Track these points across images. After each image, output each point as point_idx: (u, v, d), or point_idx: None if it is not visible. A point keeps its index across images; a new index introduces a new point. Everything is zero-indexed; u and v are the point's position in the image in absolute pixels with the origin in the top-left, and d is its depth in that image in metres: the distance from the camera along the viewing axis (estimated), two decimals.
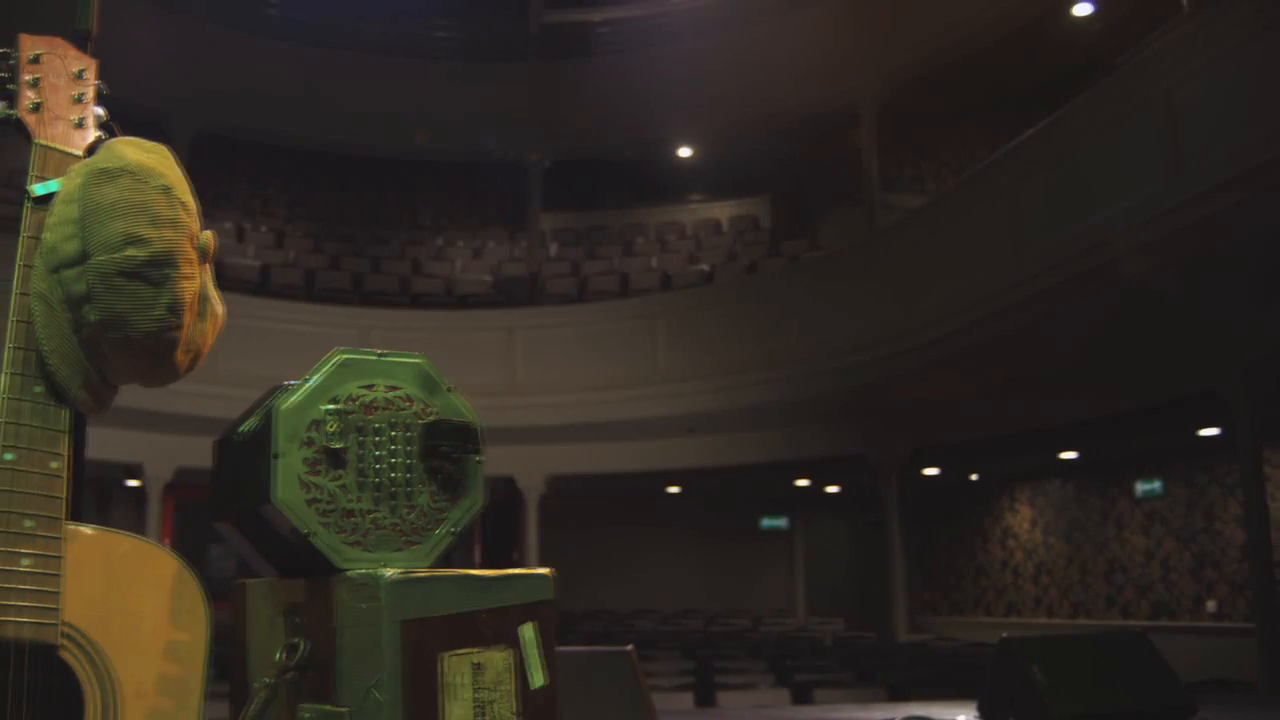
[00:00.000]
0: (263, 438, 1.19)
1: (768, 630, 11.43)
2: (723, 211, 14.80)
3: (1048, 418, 9.18)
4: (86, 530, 1.21)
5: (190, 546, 11.14)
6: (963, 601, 13.75)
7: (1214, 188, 5.96)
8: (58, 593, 1.15)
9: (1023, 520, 12.78)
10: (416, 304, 11.87)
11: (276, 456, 1.14)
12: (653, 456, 10.97)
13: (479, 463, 1.26)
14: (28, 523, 1.16)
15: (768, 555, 14.84)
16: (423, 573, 1.15)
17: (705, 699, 6.99)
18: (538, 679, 1.24)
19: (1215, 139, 6.08)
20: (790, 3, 11.07)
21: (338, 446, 1.16)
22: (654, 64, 12.03)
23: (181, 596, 1.24)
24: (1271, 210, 5.83)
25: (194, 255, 1.32)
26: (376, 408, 1.20)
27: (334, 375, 1.20)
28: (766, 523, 14.99)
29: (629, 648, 2.30)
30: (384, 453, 1.19)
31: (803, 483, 13.23)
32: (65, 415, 1.24)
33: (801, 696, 6.98)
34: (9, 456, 1.18)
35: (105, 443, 9.50)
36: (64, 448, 1.23)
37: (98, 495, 11.46)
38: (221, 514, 1.32)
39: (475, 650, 1.17)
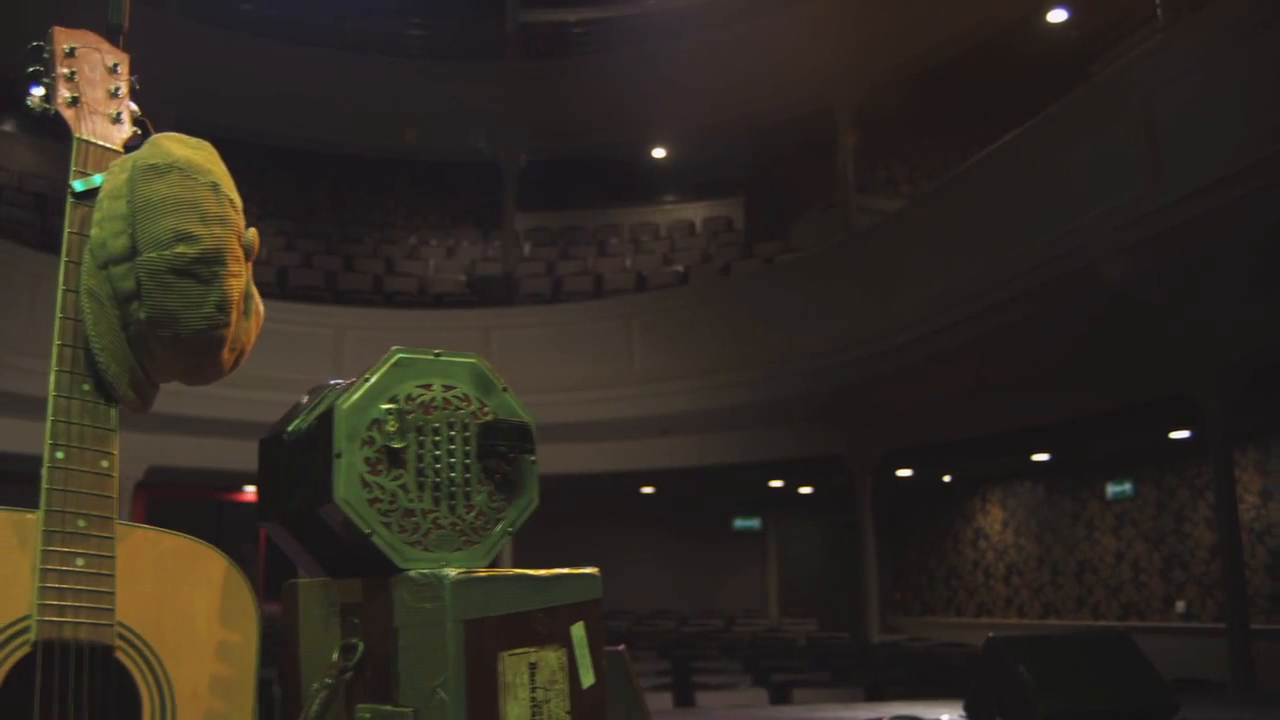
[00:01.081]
0: (319, 437, 1.19)
1: (741, 630, 11.46)
2: (696, 212, 14.83)
3: (1021, 419, 9.26)
4: (136, 529, 1.19)
5: None
6: (934, 602, 13.85)
7: (1191, 193, 6.04)
8: (112, 593, 1.14)
9: (994, 521, 12.89)
10: (390, 303, 11.80)
11: (338, 456, 1.13)
12: (627, 457, 10.96)
13: (533, 463, 1.26)
14: (81, 522, 1.15)
15: (740, 556, 14.88)
16: (483, 572, 1.15)
17: (684, 699, 6.99)
18: (588, 678, 1.24)
19: (1192, 145, 6.16)
20: (766, 6, 11.10)
21: (398, 446, 1.16)
22: (629, 65, 12.03)
23: (231, 596, 1.23)
24: (1246, 216, 5.92)
25: (240, 253, 1.31)
26: (434, 407, 1.20)
27: (391, 374, 1.19)
28: (739, 523, 15.02)
29: (620, 648, 2.30)
30: (442, 452, 1.19)
31: (776, 483, 13.28)
32: (114, 413, 1.23)
33: (779, 697, 6.99)
34: (60, 455, 1.17)
35: None
36: (114, 446, 1.21)
37: None
38: (269, 514, 1.30)
39: (531, 650, 1.17)
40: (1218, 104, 6.07)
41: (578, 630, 1.24)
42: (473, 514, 1.20)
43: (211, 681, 1.18)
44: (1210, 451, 7.50)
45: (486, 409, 1.23)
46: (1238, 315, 6.95)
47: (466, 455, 1.21)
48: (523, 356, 10.38)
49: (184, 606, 1.19)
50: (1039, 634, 3.45)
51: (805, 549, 15.02)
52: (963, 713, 3.12)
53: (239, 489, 11.90)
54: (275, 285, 11.48)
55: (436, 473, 1.18)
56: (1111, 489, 11.04)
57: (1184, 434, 9.50)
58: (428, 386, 1.20)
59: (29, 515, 1.13)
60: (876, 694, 7.01)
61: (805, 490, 14.06)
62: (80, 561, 1.13)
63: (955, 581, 13.48)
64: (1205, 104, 6.17)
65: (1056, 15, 9.69)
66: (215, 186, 1.29)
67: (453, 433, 1.20)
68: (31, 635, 1.08)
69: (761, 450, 10.72)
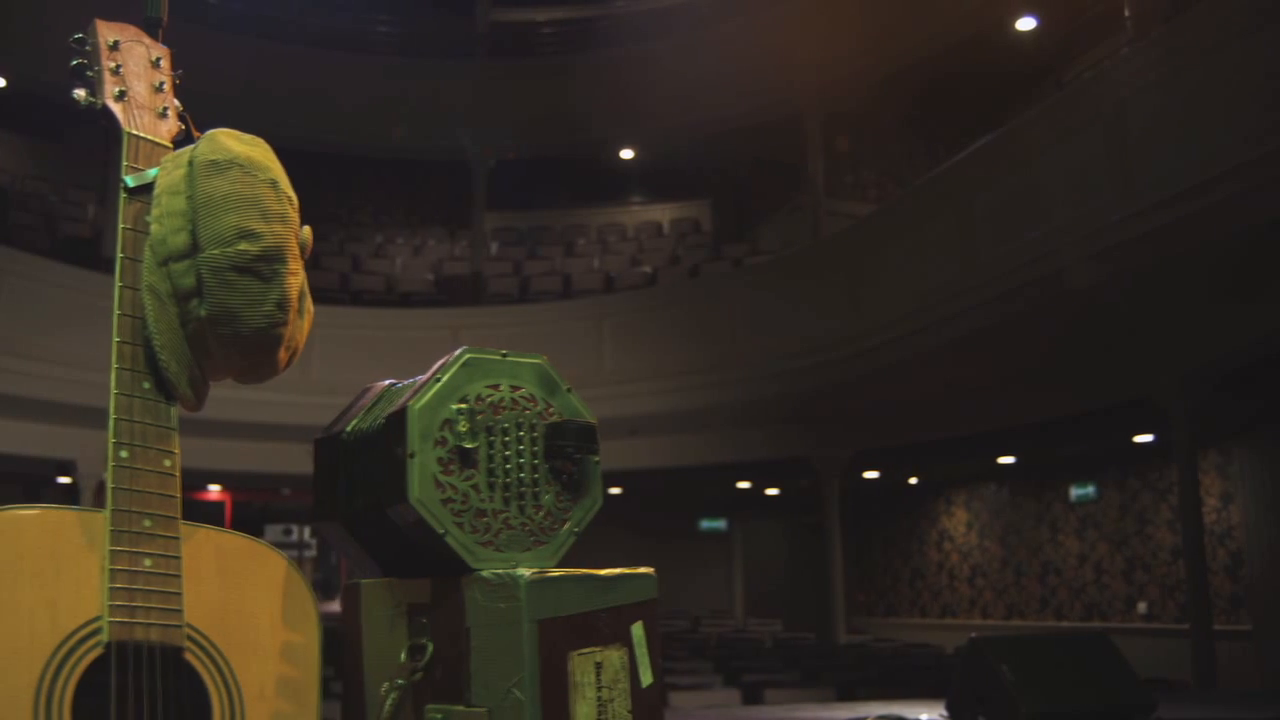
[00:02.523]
0: (387, 438, 1.18)
1: (708, 631, 11.48)
2: (663, 214, 14.85)
3: (988, 422, 9.36)
4: (199, 528, 1.18)
5: None
6: (898, 603, 13.96)
7: (1160, 202, 6.14)
8: (180, 594, 1.12)
9: (959, 523, 13.01)
10: (357, 301, 11.72)
11: (412, 456, 1.13)
12: None
13: (596, 463, 1.26)
14: (146, 522, 1.13)
15: (706, 556, 14.92)
16: (554, 572, 1.15)
17: None
18: (647, 677, 1.25)
19: (1163, 155, 6.26)
20: (736, 10, 11.14)
21: (470, 446, 1.15)
22: (599, 66, 12.03)
23: (292, 597, 1.22)
24: (1213, 224, 6.02)
25: (297, 250, 1.30)
26: (503, 407, 1.20)
27: (461, 374, 1.19)
28: (706, 524, 15.06)
29: None
30: (511, 453, 1.19)
31: (743, 485, 13.33)
32: (174, 412, 1.22)
33: (752, 697, 7.02)
34: (124, 454, 1.15)
35: (37, 438, 9.22)
36: (175, 445, 1.20)
37: (27, 493, 11.12)
38: (327, 514, 1.29)
39: (596, 649, 1.18)
40: (1187, 114, 6.18)
41: (637, 630, 1.25)
42: (541, 514, 1.20)
43: (277, 682, 1.17)
44: (1175, 455, 7.63)
45: (552, 409, 1.24)
46: (1203, 321, 7.07)
47: (534, 456, 1.21)
48: None
49: (248, 607, 1.18)
50: (1020, 634, 3.49)
51: (771, 550, 15.08)
52: (944, 712, 3.15)
53: (202, 487, 11.76)
54: None
55: (506, 473, 1.18)
56: (1075, 491, 11.19)
57: (1148, 438, 9.65)
58: (496, 386, 1.20)
59: (96, 514, 1.12)
60: (848, 694, 7.05)
61: (772, 491, 14.12)
62: (148, 562, 1.11)
63: (920, 583, 13.59)
64: (1175, 114, 6.28)
65: (1025, 23, 9.81)
66: (274, 183, 1.28)
67: (521, 433, 1.20)
68: (103, 636, 1.06)
69: (730, 451, 10.76)
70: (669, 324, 10.30)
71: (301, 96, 11.82)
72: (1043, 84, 10.46)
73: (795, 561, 14.65)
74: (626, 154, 13.65)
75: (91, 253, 10.44)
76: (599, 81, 11.94)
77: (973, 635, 3.10)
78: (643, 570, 1.26)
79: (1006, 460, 11.65)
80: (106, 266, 10.19)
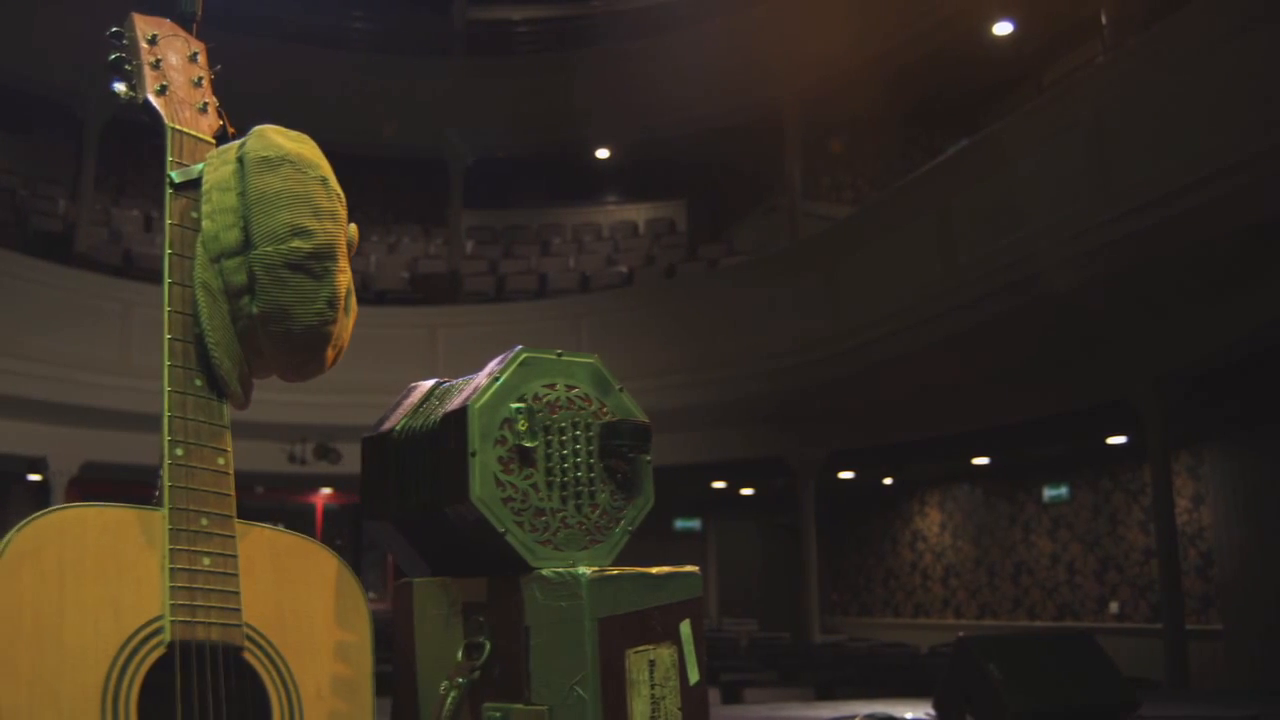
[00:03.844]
0: (445, 436, 1.18)
1: None
2: (639, 214, 14.86)
3: (963, 423, 9.42)
4: (253, 527, 1.18)
5: None
6: (871, 603, 14.04)
7: (1137, 207, 6.22)
8: (238, 593, 1.12)
9: (932, 524, 13.10)
10: None
11: (473, 454, 1.13)
12: None
13: (648, 462, 1.26)
14: (203, 521, 1.13)
15: (681, 556, 14.72)
16: (612, 571, 1.15)
17: None
18: (694, 675, 1.25)
19: (1140, 161, 6.34)
20: (713, 10, 11.16)
21: (530, 445, 1.16)
22: (574, 65, 12.02)
23: (344, 596, 1.21)
24: (1189, 230, 6.10)
25: (345, 248, 1.29)
26: (559, 406, 1.20)
27: (518, 373, 1.19)
28: (680, 524, 15.08)
29: None
30: (569, 452, 1.19)
31: (719, 484, 13.36)
32: (225, 410, 1.21)
33: (731, 696, 7.04)
34: (179, 452, 1.14)
35: (8, 435, 9.10)
36: (228, 443, 1.19)
37: None
38: (377, 513, 1.29)
39: (650, 647, 1.18)
40: (1164, 120, 6.26)
41: (685, 628, 1.25)
42: (597, 513, 1.21)
43: (333, 682, 1.16)
44: (1150, 457, 7.71)
45: (606, 409, 1.24)
46: (1178, 324, 7.15)
47: (590, 455, 1.21)
48: (471, 355, 10.22)
49: (302, 606, 1.18)
50: (1008, 634, 3.53)
51: (745, 550, 15.12)
52: (931, 711, 3.18)
53: None
54: None
55: (563, 472, 1.18)
56: (1048, 492, 11.30)
57: (1121, 439, 9.75)
58: (552, 386, 1.20)
59: (153, 513, 1.11)
60: (826, 693, 7.08)
61: (746, 491, 14.16)
62: (206, 561, 1.11)
63: (893, 583, 13.68)
64: (1152, 120, 6.36)
65: (1003, 28, 9.88)
66: (325, 181, 1.28)
67: (576, 432, 1.20)
68: (165, 636, 1.06)
69: (706, 451, 10.78)
70: (647, 324, 10.31)
71: (276, 93, 11.71)
72: (1022, 88, 10.55)
73: (770, 562, 14.70)
74: (602, 153, 13.64)
75: (65, 248, 10.31)
76: (575, 81, 11.93)
77: (960, 634, 3.12)
78: (689, 569, 1.27)
79: (981, 461, 11.74)
80: (80, 262, 10.07)
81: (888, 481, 13.58)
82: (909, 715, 3.54)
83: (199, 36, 1.50)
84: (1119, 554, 10.46)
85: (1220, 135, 5.77)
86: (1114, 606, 10.41)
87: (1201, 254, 6.37)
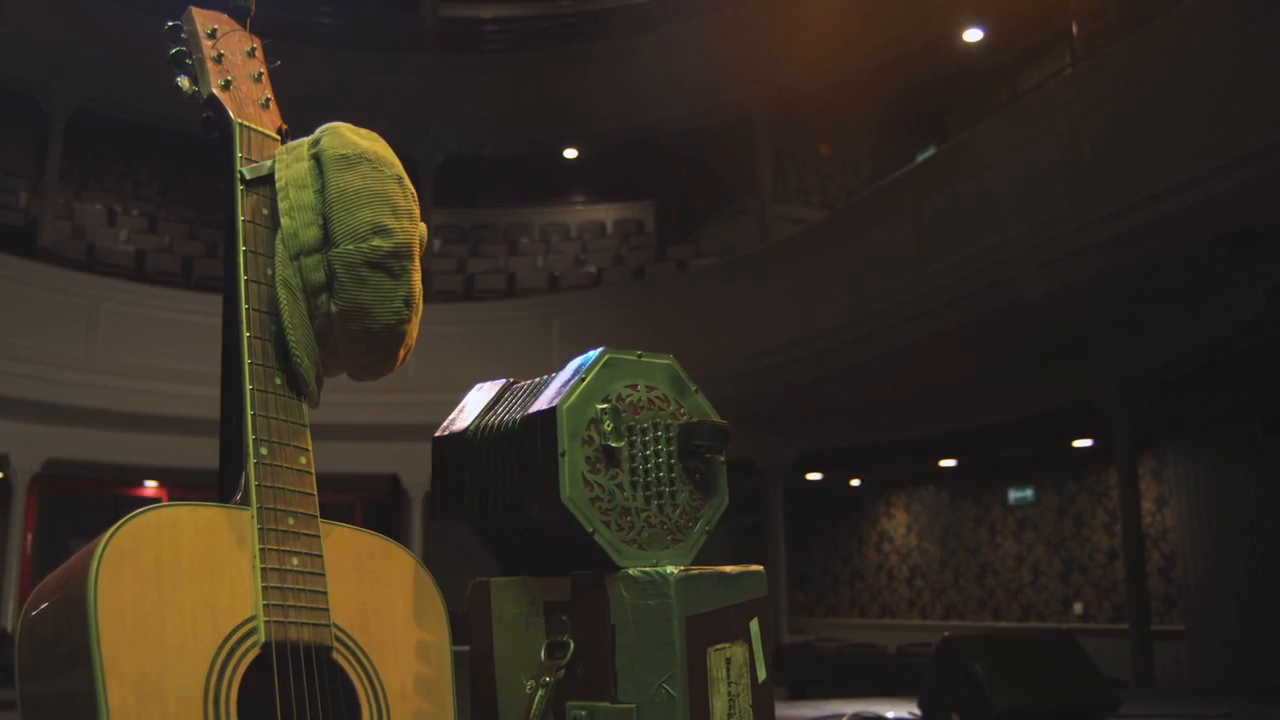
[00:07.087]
0: (530, 437, 1.18)
1: None
2: (607, 214, 14.85)
3: (931, 425, 9.51)
4: (335, 527, 1.17)
5: (53, 542, 10.56)
6: (838, 603, 14.12)
7: (1108, 214, 6.32)
8: (326, 592, 1.11)
9: (899, 525, 13.20)
10: None
11: (563, 455, 1.13)
12: None
13: (723, 462, 1.27)
14: (290, 520, 1.12)
15: None
16: (694, 570, 1.17)
17: None
18: (762, 673, 1.27)
19: (1114, 167, 6.44)
20: (684, 12, 11.19)
21: (616, 445, 1.16)
22: (543, 64, 12.00)
23: (422, 595, 1.21)
24: (1159, 237, 6.21)
25: (419, 248, 1.29)
26: (641, 407, 1.21)
27: (603, 375, 1.20)
28: None
29: None
30: (651, 452, 1.20)
31: None
32: (304, 408, 1.20)
33: None
34: (264, 451, 1.14)
35: None
36: (309, 442, 1.19)
37: None
38: (451, 513, 1.29)
39: (727, 645, 1.20)
40: (1136, 129, 6.36)
41: (754, 626, 1.27)
42: (677, 513, 1.22)
43: (416, 681, 1.16)
44: (1117, 460, 7.83)
45: (683, 410, 1.25)
46: (1146, 329, 7.26)
47: (670, 455, 1.22)
48: (440, 354, 10.23)
49: (385, 606, 1.17)
50: (993, 633, 3.57)
51: (710, 550, 15.12)
52: (915, 710, 3.22)
53: (139, 483, 11.48)
54: (180, 274, 11.13)
55: (646, 472, 1.19)
56: (1013, 495, 11.43)
57: (1087, 442, 9.89)
58: (634, 387, 1.21)
59: (242, 512, 1.10)
60: (798, 693, 7.11)
61: None
62: (295, 561, 1.10)
63: (859, 583, 13.77)
64: (1124, 129, 6.46)
65: (973, 34, 9.98)
66: (401, 179, 1.27)
67: (658, 433, 1.21)
68: (260, 637, 1.05)
69: None
70: (617, 324, 10.29)
71: None
72: (994, 95, 10.67)
73: (737, 563, 14.69)
74: (570, 153, 13.63)
75: (27, 242, 10.13)
76: (544, 80, 11.91)
77: (946, 634, 3.16)
78: (755, 568, 1.29)
79: (948, 463, 11.85)
80: (44, 255, 9.91)
81: (855, 483, 13.67)
82: (893, 714, 3.58)
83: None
84: (1083, 555, 10.61)
85: (1190, 144, 5.87)
86: (1078, 607, 10.55)
87: (1171, 261, 6.48)
